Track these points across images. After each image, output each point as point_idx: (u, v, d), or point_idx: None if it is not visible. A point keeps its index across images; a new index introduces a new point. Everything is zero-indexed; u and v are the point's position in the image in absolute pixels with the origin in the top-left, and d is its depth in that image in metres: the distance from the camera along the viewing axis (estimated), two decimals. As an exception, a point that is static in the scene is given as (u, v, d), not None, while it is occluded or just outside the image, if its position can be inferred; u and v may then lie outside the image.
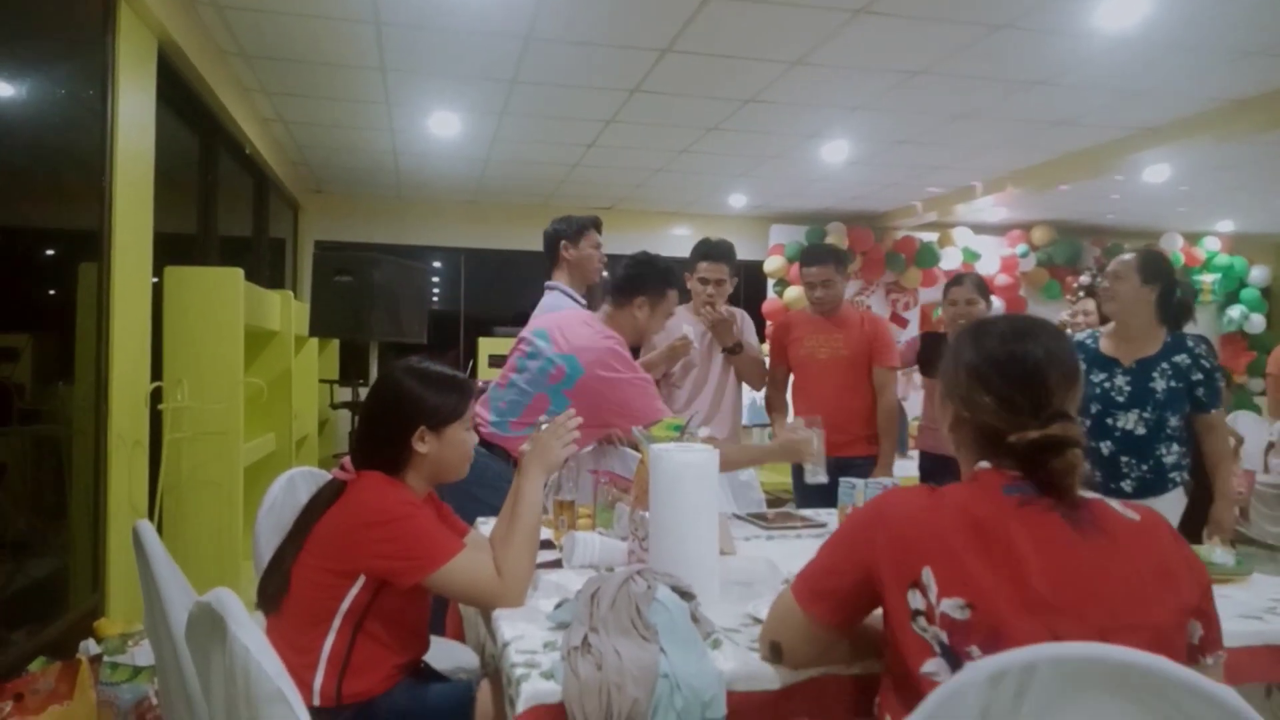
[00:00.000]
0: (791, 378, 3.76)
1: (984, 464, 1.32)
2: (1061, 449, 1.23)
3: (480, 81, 4.57)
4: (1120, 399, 2.83)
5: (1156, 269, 2.84)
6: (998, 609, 1.16)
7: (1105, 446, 2.83)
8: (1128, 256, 2.90)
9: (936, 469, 3.83)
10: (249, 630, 1.24)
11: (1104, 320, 3.20)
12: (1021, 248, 8.18)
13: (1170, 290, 2.85)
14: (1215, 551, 2.14)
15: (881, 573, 1.27)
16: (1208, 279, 8.67)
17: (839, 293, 3.60)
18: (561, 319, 2.82)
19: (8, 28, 2.94)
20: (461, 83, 4.60)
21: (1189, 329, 3.10)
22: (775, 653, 1.44)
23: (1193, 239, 8.66)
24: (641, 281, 2.77)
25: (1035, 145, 5.62)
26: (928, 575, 1.21)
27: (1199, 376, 2.79)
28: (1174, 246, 8.42)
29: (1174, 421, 2.82)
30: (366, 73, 4.45)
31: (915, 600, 1.22)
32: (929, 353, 3.96)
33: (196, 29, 3.82)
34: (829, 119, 5.12)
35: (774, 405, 3.81)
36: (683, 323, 3.40)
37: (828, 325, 3.63)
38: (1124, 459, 2.83)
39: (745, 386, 3.74)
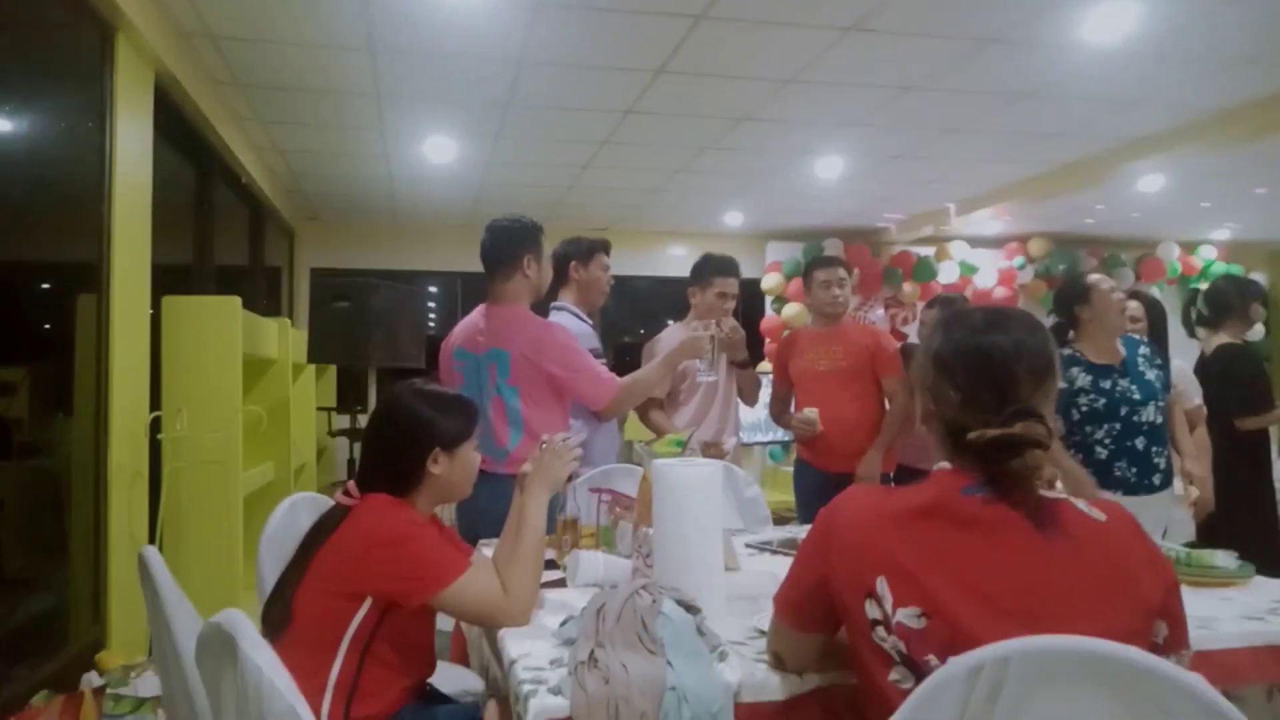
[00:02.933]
0: (794, 395, 3.75)
1: (943, 464, 1.30)
2: (1021, 449, 1.19)
3: (474, 106, 4.60)
4: (1136, 396, 3.00)
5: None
6: (954, 618, 1.13)
7: (1139, 442, 2.99)
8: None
9: (908, 482, 3.83)
10: (261, 649, 1.24)
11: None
12: (1019, 260, 8.20)
13: None
14: (1217, 555, 2.14)
15: (837, 584, 1.26)
16: (1205, 287, 8.68)
17: (849, 295, 3.65)
18: (462, 333, 2.93)
19: (7, 63, 2.96)
20: (455, 107, 4.63)
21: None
22: (777, 660, 1.46)
23: (1189, 247, 8.68)
24: (520, 240, 2.84)
25: (1028, 158, 5.65)
26: (882, 585, 1.19)
27: (1160, 361, 3.12)
28: (1170, 256, 8.45)
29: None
30: (361, 99, 4.48)
31: (872, 610, 1.20)
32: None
33: (192, 60, 3.85)
34: (822, 135, 5.15)
35: (780, 421, 3.81)
36: (715, 335, 3.41)
37: (828, 337, 3.64)
38: (1154, 449, 3.01)
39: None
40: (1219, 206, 7.18)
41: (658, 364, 2.92)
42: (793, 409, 3.73)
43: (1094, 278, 3.07)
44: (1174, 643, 1.22)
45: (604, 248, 3.36)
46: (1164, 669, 0.97)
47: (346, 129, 5.00)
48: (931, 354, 1.33)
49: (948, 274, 8.02)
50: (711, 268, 3.57)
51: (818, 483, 3.54)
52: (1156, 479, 2.99)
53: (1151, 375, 3.05)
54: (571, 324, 3.22)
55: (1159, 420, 3.01)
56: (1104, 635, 1.01)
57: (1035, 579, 1.15)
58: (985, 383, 1.25)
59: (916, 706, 1.03)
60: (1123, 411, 2.98)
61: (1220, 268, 8.68)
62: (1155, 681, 0.96)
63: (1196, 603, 1.34)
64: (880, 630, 1.20)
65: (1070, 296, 3.08)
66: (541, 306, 3.25)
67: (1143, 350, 3.09)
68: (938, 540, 1.19)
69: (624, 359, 7.83)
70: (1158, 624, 1.20)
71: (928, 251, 8.13)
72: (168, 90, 3.72)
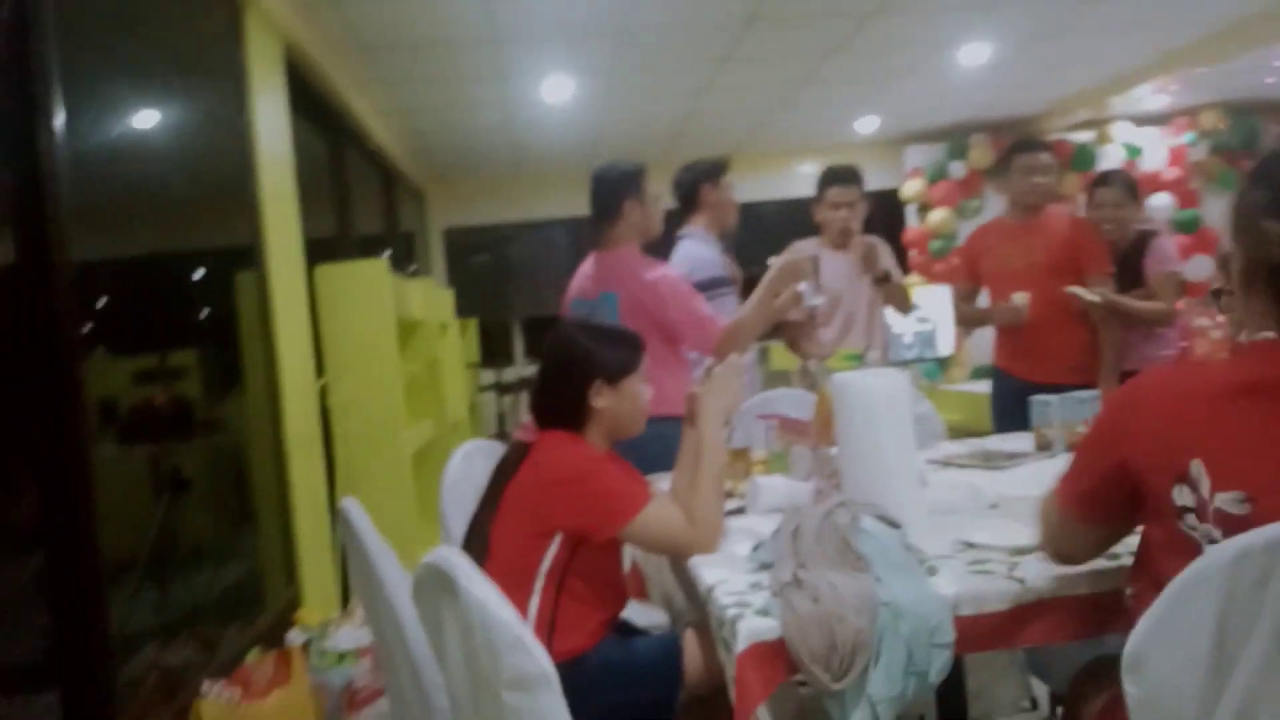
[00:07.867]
0: (986, 294, 3.50)
1: (1267, 335, 1.11)
2: None
3: (588, 38, 4.50)
4: None
5: None
6: None
7: None
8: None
9: None
10: (480, 583, 1.24)
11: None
12: (1189, 136, 7.43)
13: None
14: None
15: (1139, 466, 1.12)
16: None
17: (1054, 182, 3.34)
18: (576, 284, 2.96)
19: (148, 57, 3.05)
20: (569, 42, 4.54)
21: None
22: (1058, 556, 1.35)
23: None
24: (615, 190, 2.80)
25: (1193, 18, 5.07)
26: (1197, 468, 1.05)
27: None
28: (1369, 111, 7.49)
29: None
30: (477, 46, 4.45)
31: (1182, 496, 1.07)
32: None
33: (316, 26, 3.88)
34: (960, 22, 4.78)
35: (965, 319, 3.59)
36: (817, 256, 3.27)
37: (1024, 230, 3.34)
38: None
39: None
40: None
41: (754, 299, 2.75)
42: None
43: None
44: None
45: (727, 166, 3.31)
46: None
47: (466, 80, 4.99)
48: (1247, 195, 1.11)
49: (1110, 160, 7.35)
50: (823, 179, 3.42)
51: (1018, 392, 3.25)
52: None
53: None
54: (700, 252, 3.14)
55: None
56: None
57: None
58: None
59: (1175, 596, 0.96)
60: None
61: None
62: None
63: None
64: (1190, 518, 1.07)
65: None
66: (668, 237, 3.18)
67: None
68: (1268, 417, 1.04)
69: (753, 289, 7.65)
70: None
71: (1087, 137, 7.47)
72: (296, 62, 3.76)
